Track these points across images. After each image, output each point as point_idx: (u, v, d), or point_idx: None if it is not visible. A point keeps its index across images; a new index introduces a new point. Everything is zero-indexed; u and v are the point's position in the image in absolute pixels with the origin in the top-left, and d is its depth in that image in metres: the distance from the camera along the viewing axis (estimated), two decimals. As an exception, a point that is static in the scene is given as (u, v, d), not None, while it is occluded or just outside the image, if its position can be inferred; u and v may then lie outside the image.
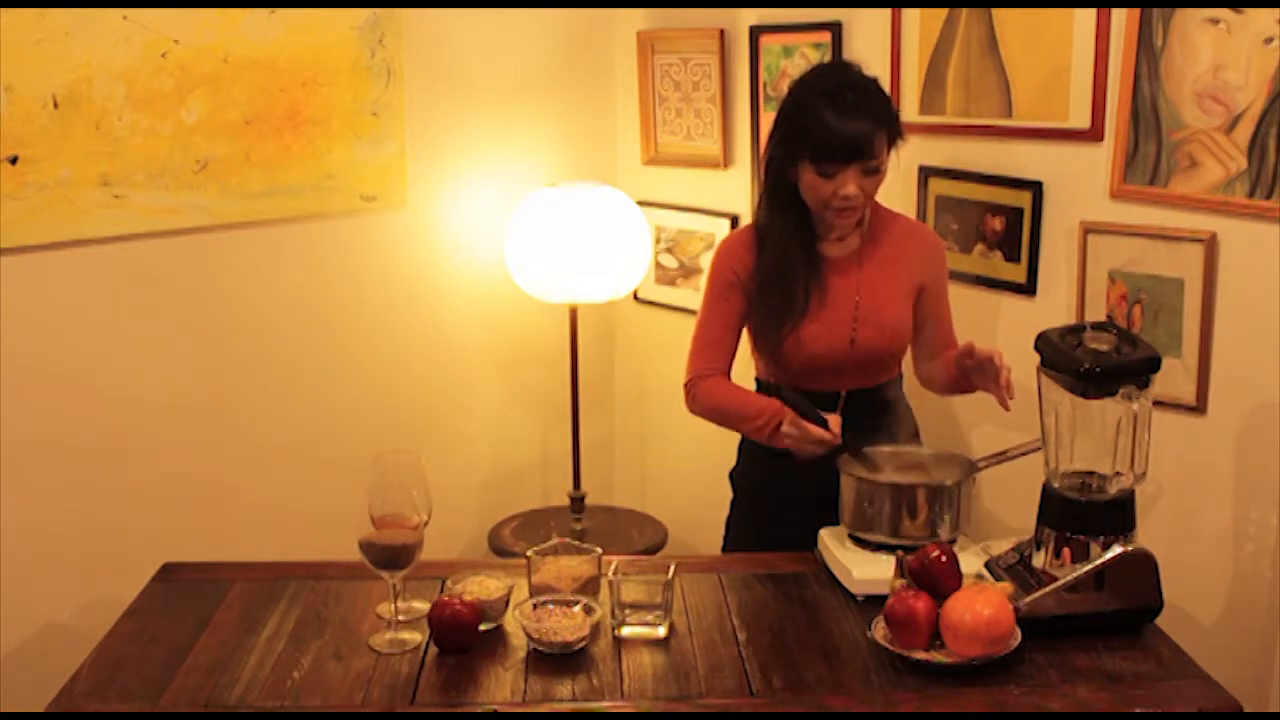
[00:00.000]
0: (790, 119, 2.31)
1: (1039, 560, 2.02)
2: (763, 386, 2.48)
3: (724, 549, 2.58)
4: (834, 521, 2.23)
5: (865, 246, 2.42)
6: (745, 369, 2.49)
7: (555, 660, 1.91)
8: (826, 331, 2.36)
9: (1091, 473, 2.02)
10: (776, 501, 2.46)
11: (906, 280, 2.43)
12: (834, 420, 2.22)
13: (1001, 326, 2.73)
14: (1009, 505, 2.72)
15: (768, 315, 2.37)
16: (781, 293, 2.36)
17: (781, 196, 2.37)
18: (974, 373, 2.29)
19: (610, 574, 2.02)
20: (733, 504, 2.60)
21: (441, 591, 2.06)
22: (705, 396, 2.42)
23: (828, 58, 2.96)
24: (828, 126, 2.23)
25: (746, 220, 2.56)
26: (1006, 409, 2.24)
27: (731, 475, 2.59)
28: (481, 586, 2.02)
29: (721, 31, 3.24)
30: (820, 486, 2.24)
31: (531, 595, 2.03)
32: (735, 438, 2.55)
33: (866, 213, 2.40)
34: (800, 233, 2.38)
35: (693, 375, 2.44)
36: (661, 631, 1.99)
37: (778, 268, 2.36)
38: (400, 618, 2.00)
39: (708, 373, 2.42)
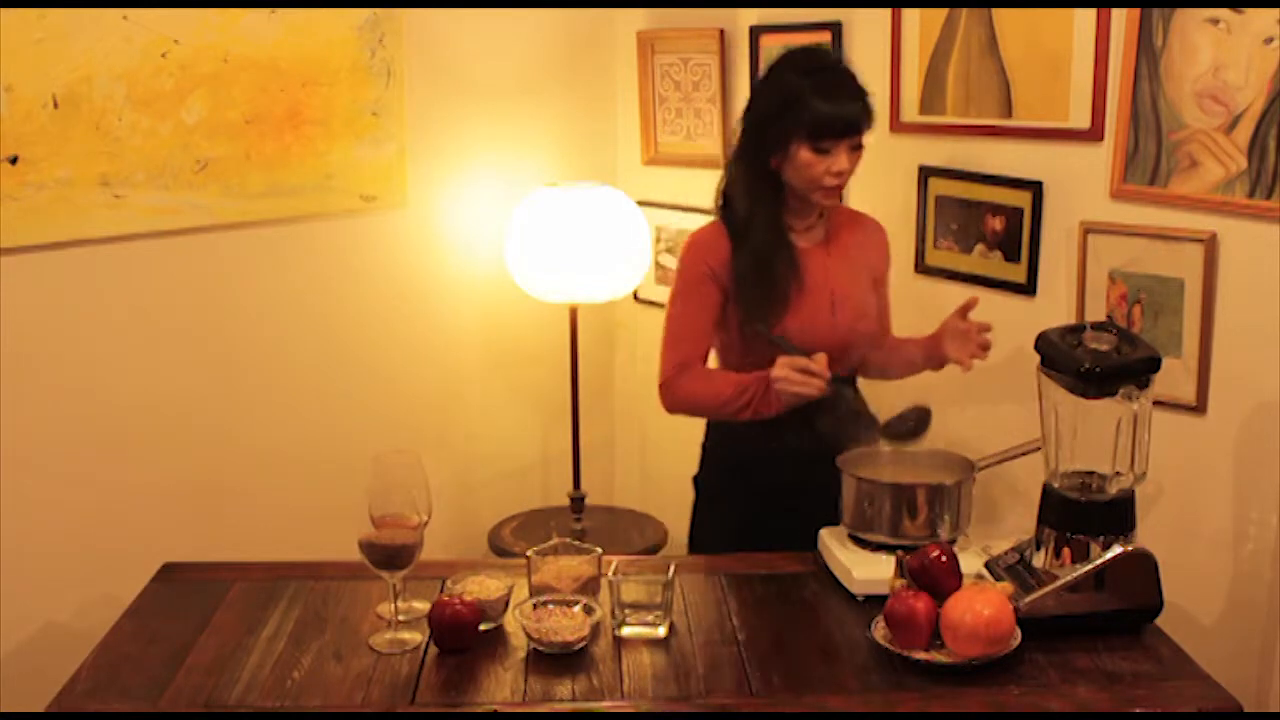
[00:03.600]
0: (780, 102, 2.32)
1: (1039, 560, 2.02)
2: None
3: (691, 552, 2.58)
4: (806, 511, 2.25)
5: (829, 237, 2.46)
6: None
7: (555, 660, 1.91)
8: (810, 321, 2.38)
9: (1091, 473, 2.02)
10: (745, 496, 2.45)
11: (867, 268, 2.50)
12: (820, 358, 2.23)
13: (1001, 326, 2.72)
14: (1009, 505, 2.72)
15: (752, 307, 2.37)
16: (765, 283, 2.36)
17: (760, 186, 2.38)
18: (951, 336, 2.42)
19: (610, 574, 2.02)
20: (695, 508, 2.58)
21: (441, 591, 2.06)
22: (687, 389, 2.39)
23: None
24: (823, 104, 2.27)
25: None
26: (967, 369, 2.43)
27: (696, 480, 2.58)
28: (481, 586, 2.02)
29: (721, 31, 3.24)
30: (795, 473, 2.25)
31: (531, 595, 2.03)
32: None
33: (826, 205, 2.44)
34: (778, 223, 2.40)
35: (670, 374, 2.41)
36: (661, 631, 1.99)
37: (760, 258, 2.37)
38: (400, 618, 2.00)
39: (685, 369, 2.41)
